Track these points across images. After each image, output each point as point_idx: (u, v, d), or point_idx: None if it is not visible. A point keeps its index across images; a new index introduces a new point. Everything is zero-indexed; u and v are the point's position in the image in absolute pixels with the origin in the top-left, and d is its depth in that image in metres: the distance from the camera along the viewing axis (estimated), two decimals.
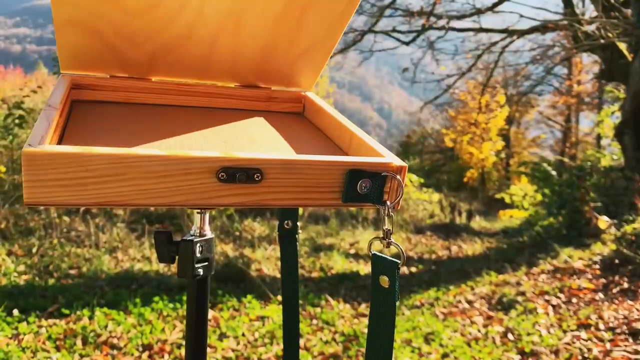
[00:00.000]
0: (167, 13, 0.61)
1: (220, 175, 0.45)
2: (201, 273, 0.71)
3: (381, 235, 0.50)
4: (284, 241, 0.87)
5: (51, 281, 3.23)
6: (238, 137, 0.60)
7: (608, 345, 2.64)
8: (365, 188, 0.50)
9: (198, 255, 0.70)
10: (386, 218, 0.50)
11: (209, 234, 0.74)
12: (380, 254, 0.49)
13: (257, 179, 0.46)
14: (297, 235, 0.88)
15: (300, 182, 0.49)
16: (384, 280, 0.48)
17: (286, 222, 0.85)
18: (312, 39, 0.70)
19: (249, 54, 0.70)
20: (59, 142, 0.51)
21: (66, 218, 4.53)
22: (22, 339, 2.37)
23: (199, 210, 0.73)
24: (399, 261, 0.47)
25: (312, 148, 0.61)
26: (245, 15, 0.64)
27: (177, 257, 0.71)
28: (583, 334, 2.84)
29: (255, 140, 0.60)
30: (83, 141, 0.52)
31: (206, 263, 0.72)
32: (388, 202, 0.50)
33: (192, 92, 0.72)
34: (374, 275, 0.50)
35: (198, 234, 0.73)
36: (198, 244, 0.71)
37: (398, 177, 0.50)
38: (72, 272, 3.46)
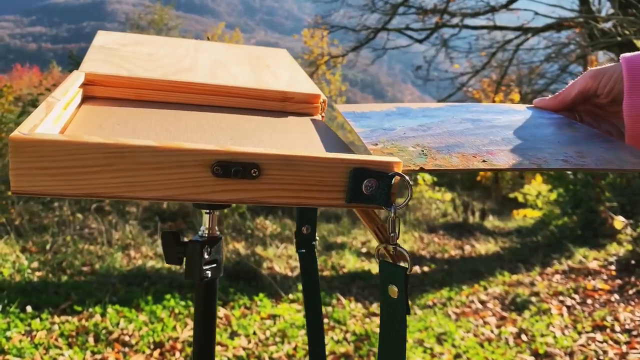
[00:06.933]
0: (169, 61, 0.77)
1: (215, 170, 0.43)
2: (209, 275, 0.69)
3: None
4: (302, 247, 0.83)
5: (64, 278, 3.25)
6: (247, 136, 0.59)
7: (624, 348, 2.60)
8: (370, 188, 0.47)
9: (206, 256, 0.68)
10: (393, 221, 0.47)
11: (217, 234, 0.72)
12: (388, 261, 0.47)
13: (254, 174, 0.44)
14: (314, 242, 0.83)
15: (301, 179, 0.46)
16: (393, 291, 0.46)
17: (305, 227, 0.82)
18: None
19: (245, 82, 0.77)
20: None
21: (79, 215, 4.56)
22: (35, 335, 2.38)
23: (207, 210, 0.71)
24: (406, 266, 0.45)
25: (319, 147, 0.59)
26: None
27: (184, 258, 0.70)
28: (598, 336, 2.80)
29: (264, 140, 0.59)
30: (81, 133, 0.51)
31: (215, 265, 0.70)
32: (395, 205, 0.48)
33: (205, 91, 0.71)
34: (382, 285, 0.47)
35: (206, 235, 0.71)
36: (206, 246, 0.69)
37: (407, 177, 0.47)
38: (85, 269, 3.49)
